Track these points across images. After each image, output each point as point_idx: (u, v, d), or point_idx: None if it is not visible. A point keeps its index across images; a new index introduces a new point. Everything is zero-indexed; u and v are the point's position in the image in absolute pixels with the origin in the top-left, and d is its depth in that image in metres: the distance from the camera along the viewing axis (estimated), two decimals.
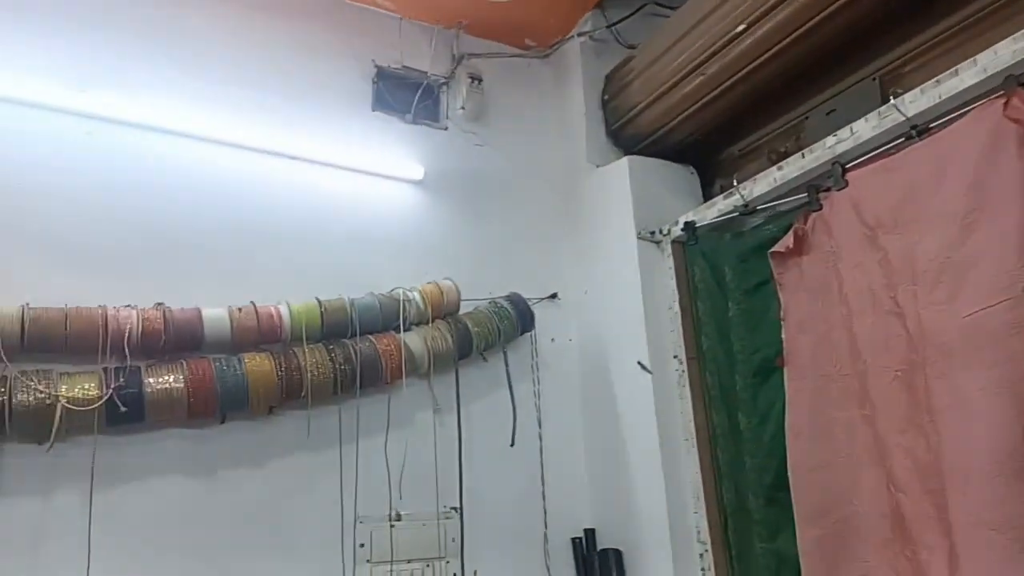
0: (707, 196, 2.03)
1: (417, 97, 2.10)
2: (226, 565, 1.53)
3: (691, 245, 1.89)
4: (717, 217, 1.84)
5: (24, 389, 1.30)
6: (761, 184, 1.73)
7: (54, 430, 1.31)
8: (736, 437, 1.73)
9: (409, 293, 1.82)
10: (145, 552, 1.47)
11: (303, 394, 1.60)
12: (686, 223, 1.89)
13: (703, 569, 1.71)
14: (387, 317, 1.77)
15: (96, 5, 1.72)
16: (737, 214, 1.78)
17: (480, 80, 2.18)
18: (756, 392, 1.70)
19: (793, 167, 1.64)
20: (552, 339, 2.09)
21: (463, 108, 2.16)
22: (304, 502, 1.64)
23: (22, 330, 1.35)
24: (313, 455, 1.67)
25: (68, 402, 1.32)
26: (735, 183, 1.79)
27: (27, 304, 1.37)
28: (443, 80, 2.17)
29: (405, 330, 1.77)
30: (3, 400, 1.29)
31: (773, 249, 1.64)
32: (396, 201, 2.02)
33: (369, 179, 1.98)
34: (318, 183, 1.90)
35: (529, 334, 2.02)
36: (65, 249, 1.54)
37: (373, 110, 2.05)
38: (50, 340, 1.37)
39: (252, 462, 1.61)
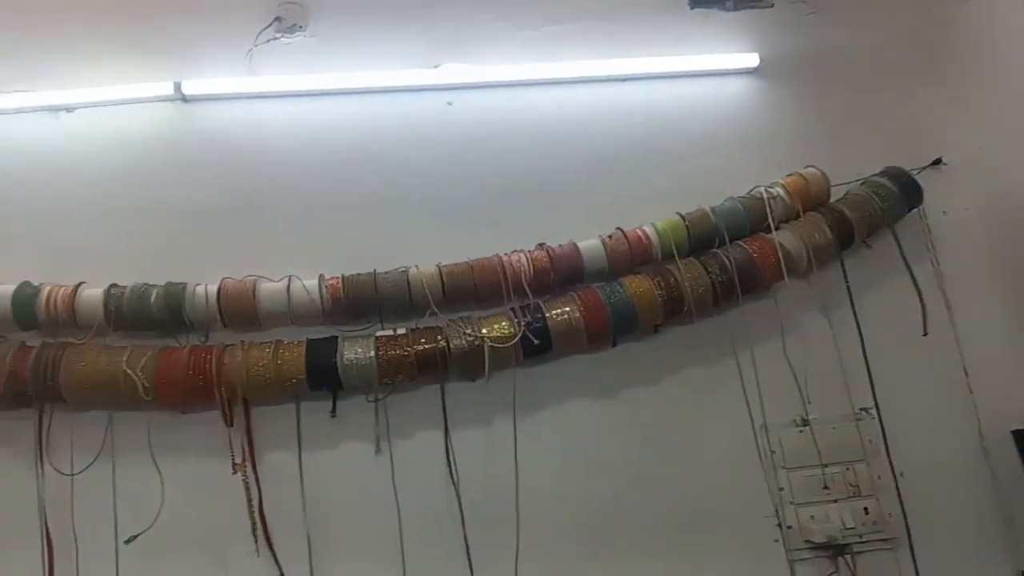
0: None
1: None
2: (640, 473, 1.60)
3: None
4: None
5: (457, 335, 1.50)
6: None
7: (487, 368, 1.49)
8: None
9: (771, 190, 1.71)
10: (563, 465, 1.59)
11: (685, 309, 1.60)
12: None
13: None
14: (753, 219, 1.69)
15: None
16: None
17: None
18: None
19: None
20: (944, 212, 1.81)
21: None
22: (704, 414, 1.65)
23: (442, 285, 1.55)
24: (705, 368, 1.67)
25: (492, 342, 1.49)
26: None
27: (440, 263, 1.57)
28: None
29: (775, 229, 1.67)
30: (443, 346, 1.50)
31: None
32: (733, 96, 1.90)
33: (701, 81, 1.90)
34: (650, 99, 1.87)
35: (917, 210, 1.77)
36: (450, 209, 1.72)
37: (691, 8, 1.95)
38: (464, 290, 1.56)
39: (647, 380, 1.66)
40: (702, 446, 1.63)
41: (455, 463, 1.53)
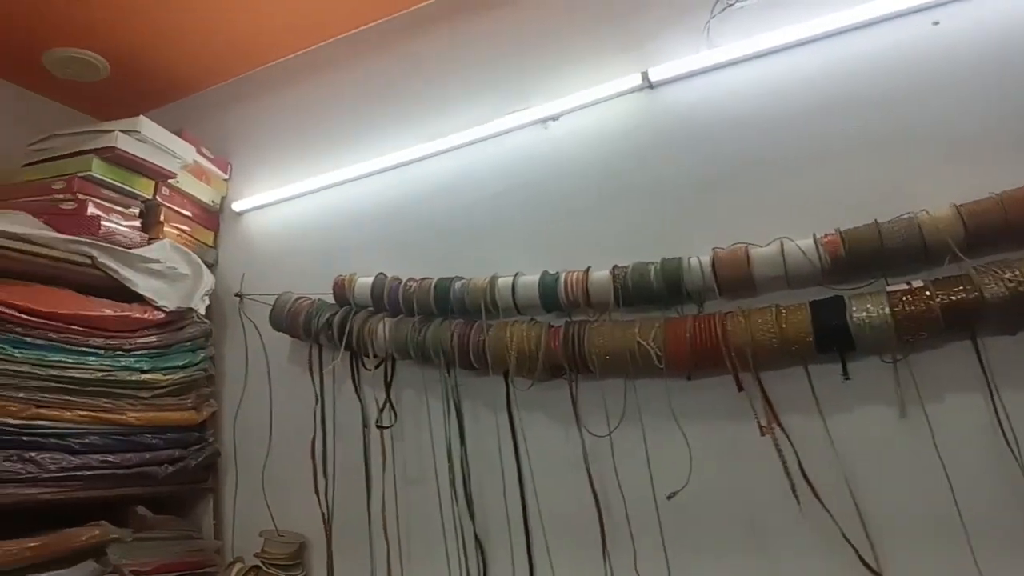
0: None
1: None
2: None
3: None
4: None
5: (994, 281, 1.30)
6: None
7: None
8: None
9: None
10: None
11: None
12: None
13: None
14: None
15: None
16: None
17: None
18: None
19: None
20: None
21: None
22: None
23: (964, 227, 1.36)
24: None
25: None
26: None
27: (955, 203, 1.39)
28: None
29: None
30: (975, 296, 1.31)
31: None
32: None
33: None
34: None
35: None
36: (957, 140, 1.50)
37: None
38: (993, 230, 1.35)
39: None
40: None
41: (1011, 429, 1.33)
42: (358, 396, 1.96)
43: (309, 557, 1.95)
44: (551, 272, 1.74)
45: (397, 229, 2.07)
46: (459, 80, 2.05)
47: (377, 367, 1.93)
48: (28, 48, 2.21)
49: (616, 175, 1.81)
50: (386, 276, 1.95)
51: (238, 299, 2.23)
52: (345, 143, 2.20)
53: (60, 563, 1.64)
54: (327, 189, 2.20)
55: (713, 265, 1.56)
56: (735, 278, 1.55)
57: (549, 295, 1.72)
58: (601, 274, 1.67)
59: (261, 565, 1.89)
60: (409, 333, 1.84)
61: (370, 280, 1.96)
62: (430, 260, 1.97)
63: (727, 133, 1.71)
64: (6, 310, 1.71)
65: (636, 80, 1.78)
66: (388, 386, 1.92)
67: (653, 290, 1.62)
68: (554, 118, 1.89)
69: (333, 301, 2.02)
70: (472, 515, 1.76)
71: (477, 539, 1.75)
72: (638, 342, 1.58)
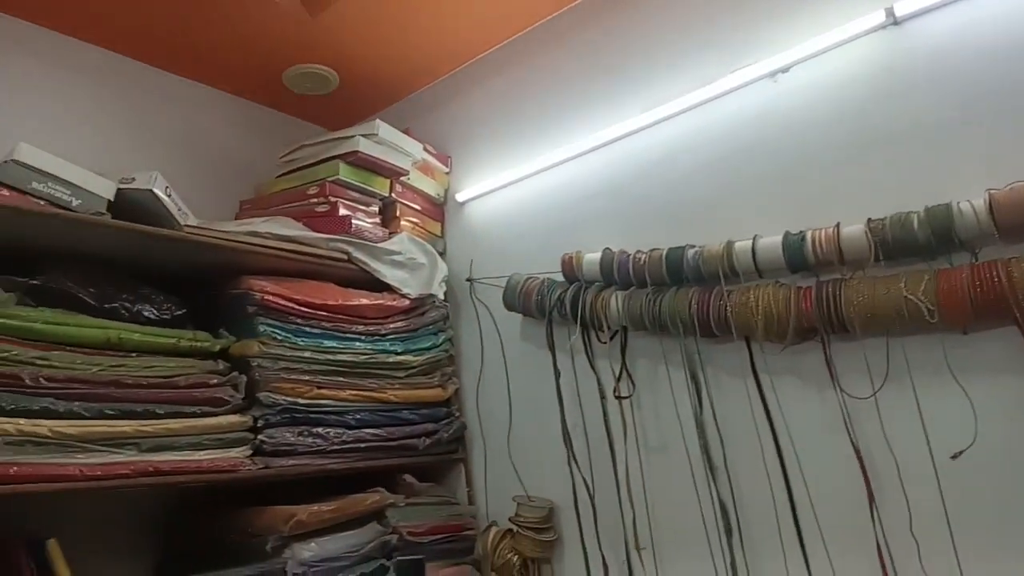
0: None
1: None
2: None
3: None
4: None
5: None
6: None
7: None
8: None
9: None
10: None
11: None
12: None
13: None
14: None
15: None
16: None
17: None
18: None
19: None
20: None
21: None
22: None
23: None
24: None
25: None
26: None
27: None
28: None
29: None
30: None
31: None
32: None
33: None
34: None
35: None
36: None
37: None
38: None
39: None
40: None
41: None
42: (593, 369, 2.02)
43: (558, 521, 2.04)
44: (793, 232, 1.68)
45: (620, 203, 2.09)
46: (675, 43, 2.02)
47: (611, 339, 1.97)
48: (270, 69, 2.47)
49: (858, 124, 1.70)
50: (612, 251, 1.98)
51: (469, 284, 2.37)
52: (559, 124, 2.26)
53: (350, 524, 1.85)
54: (545, 171, 2.27)
55: (990, 208, 1.43)
56: (1018, 221, 1.41)
57: (795, 255, 1.66)
58: (854, 229, 1.59)
59: (515, 528, 2.01)
60: (644, 304, 1.86)
61: (597, 256, 2.00)
62: (657, 231, 1.97)
63: (986, 65, 1.54)
64: (289, 304, 1.94)
65: (879, 17, 1.66)
66: (624, 357, 1.95)
67: (918, 241, 1.51)
68: (784, 70, 1.81)
69: (561, 279, 2.09)
70: (715, 480, 1.76)
71: (722, 504, 1.74)
72: (906, 297, 1.48)
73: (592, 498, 1.97)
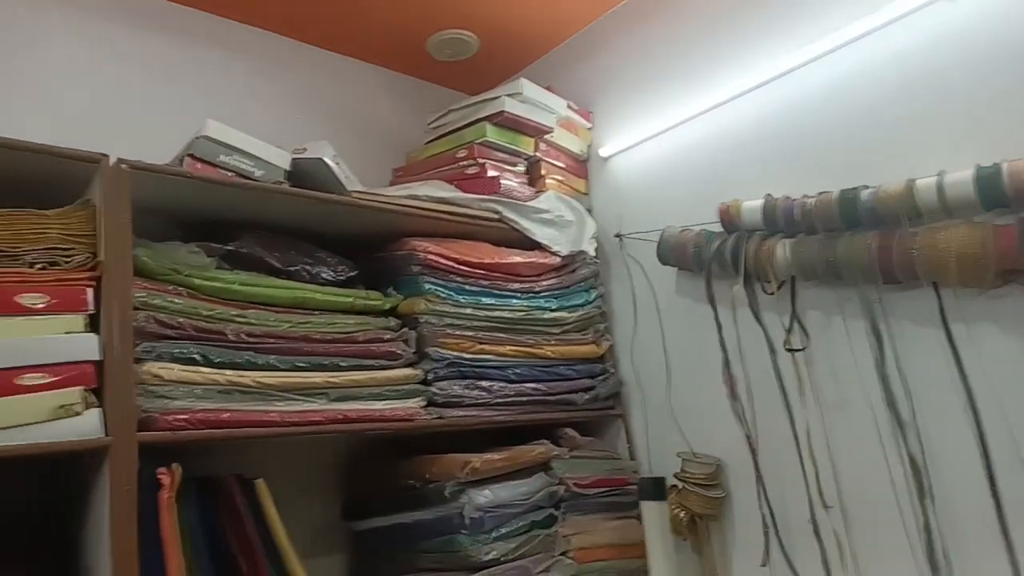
0: None
1: None
2: None
3: None
4: None
5: None
6: None
7: None
8: None
9: None
10: None
11: None
12: None
13: None
14: None
15: None
16: None
17: None
18: None
19: None
20: None
21: None
22: None
23: None
24: None
25: None
26: None
27: None
28: None
29: None
30: None
31: None
32: None
33: None
34: None
35: None
36: None
37: None
38: None
39: None
40: None
41: None
42: (758, 321, 1.95)
43: (726, 478, 2.01)
44: (985, 165, 1.54)
45: (780, 146, 1.99)
46: None
47: (778, 289, 1.90)
48: (414, 38, 2.52)
49: None
50: (775, 197, 1.90)
51: (618, 239, 2.35)
52: (706, 68, 2.17)
53: (518, 475, 1.90)
54: (694, 119, 2.20)
55: None
56: None
57: (991, 190, 1.52)
58: None
59: (681, 484, 2.00)
60: (815, 252, 1.77)
61: (758, 203, 1.92)
62: (822, 173, 1.86)
63: None
64: (449, 263, 2.00)
65: None
66: (794, 308, 1.88)
67: None
68: None
69: (717, 230, 2.03)
70: (905, 437, 1.66)
71: (912, 462, 1.65)
72: None
73: (755, 455, 1.93)
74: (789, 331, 1.87)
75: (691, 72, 2.22)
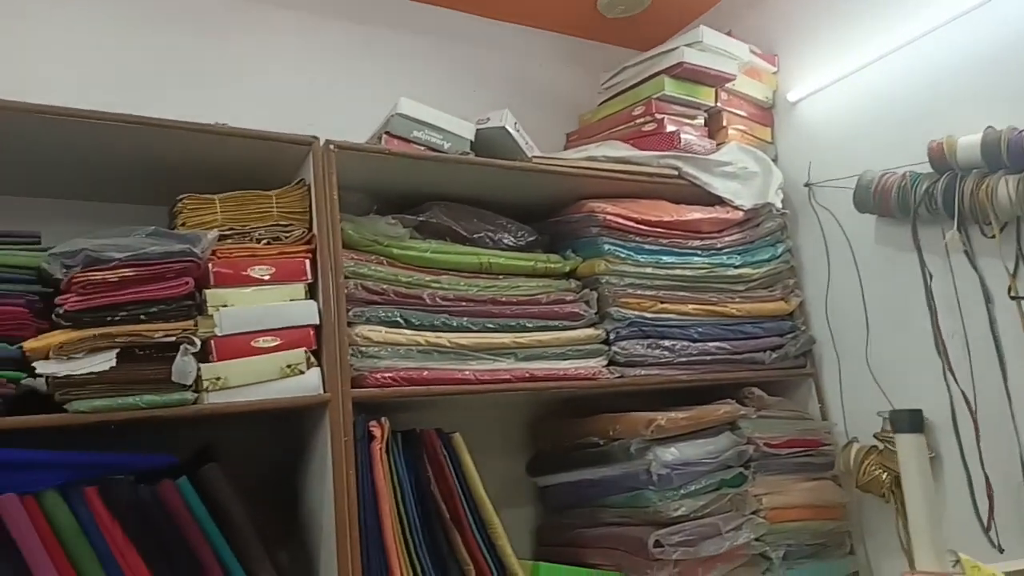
0: None
1: None
2: None
3: None
4: None
5: None
6: None
7: None
8: None
9: None
10: None
11: None
12: None
13: None
14: None
15: None
16: None
17: None
18: None
19: None
20: None
21: None
22: None
23: None
24: None
25: None
26: None
27: None
28: None
29: None
30: None
31: None
32: None
33: None
34: None
35: None
36: None
37: None
38: None
39: None
40: None
41: None
42: (974, 268, 1.76)
43: (933, 438, 1.85)
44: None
45: (996, 76, 1.76)
46: None
47: (1000, 232, 1.70)
48: None
49: None
50: (997, 129, 1.68)
51: (808, 189, 2.21)
52: None
53: (703, 434, 1.88)
54: (893, 53, 1.99)
55: None
56: None
57: None
58: None
59: (883, 445, 1.87)
60: None
61: (976, 137, 1.71)
62: None
63: None
64: (628, 223, 2.00)
65: None
66: (1020, 251, 1.67)
67: None
68: None
69: (925, 171, 1.84)
70: None
71: None
72: None
73: (974, 414, 1.76)
74: (1014, 275, 1.67)
75: (889, 1, 2.01)
